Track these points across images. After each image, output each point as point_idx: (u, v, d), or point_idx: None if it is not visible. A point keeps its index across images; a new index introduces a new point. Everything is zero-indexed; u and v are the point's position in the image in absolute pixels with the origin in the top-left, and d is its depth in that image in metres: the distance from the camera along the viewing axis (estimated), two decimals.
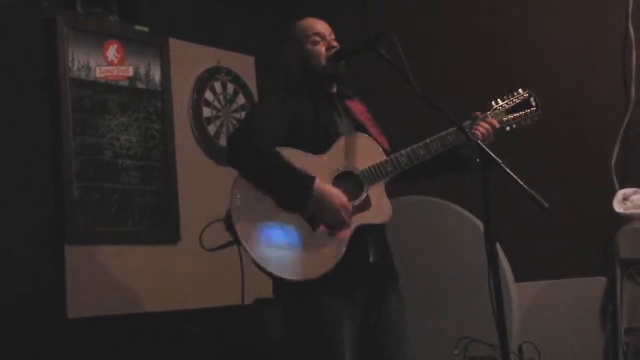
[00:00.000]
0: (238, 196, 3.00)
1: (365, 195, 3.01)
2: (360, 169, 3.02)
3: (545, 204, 2.57)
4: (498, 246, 2.64)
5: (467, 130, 2.98)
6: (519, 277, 4.07)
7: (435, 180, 3.39)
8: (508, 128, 3.17)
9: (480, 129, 3.08)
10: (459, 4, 4.82)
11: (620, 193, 4.05)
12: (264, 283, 3.19)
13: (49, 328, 4.00)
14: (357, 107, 3.24)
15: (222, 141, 5.00)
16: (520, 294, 4.04)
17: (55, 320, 4.04)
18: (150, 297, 4.45)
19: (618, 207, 3.99)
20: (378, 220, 3.02)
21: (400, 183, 3.24)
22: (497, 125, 3.12)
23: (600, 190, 4.16)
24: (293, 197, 2.96)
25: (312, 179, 2.93)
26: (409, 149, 3.03)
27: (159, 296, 4.49)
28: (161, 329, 4.45)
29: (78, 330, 4.09)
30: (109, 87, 4.48)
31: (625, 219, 3.95)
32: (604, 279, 4.13)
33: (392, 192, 3.12)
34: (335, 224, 2.95)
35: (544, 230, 4.26)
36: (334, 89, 3.23)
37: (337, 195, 2.94)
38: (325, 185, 2.95)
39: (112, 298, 4.28)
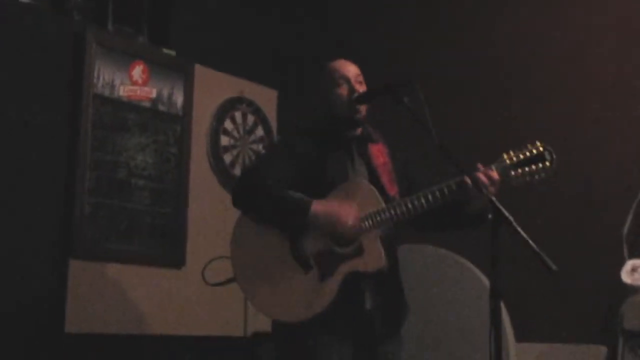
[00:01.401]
0: (238, 237, 3.12)
1: (358, 242, 3.01)
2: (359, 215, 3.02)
3: (554, 267, 2.54)
4: (502, 304, 2.62)
5: (477, 184, 2.89)
6: (519, 337, 4.04)
7: (448, 232, 3.36)
8: (514, 183, 2.98)
9: (478, 180, 2.93)
10: (487, 68, 4.83)
11: (630, 264, 4.02)
12: (261, 316, 3.20)
13: (45, 340, 4.00)
14: (377, 152, 3.23)
15: (237, 171, 5.02)
16: (519, 354, 4.01)
17: (52, 333, 4.04)
18: (149, 319, 4.44)
19: (626, 277, 3.96)
20: (368, 268, 3.00)
21: (414, 231, 3.25)
22: (496, 177, 2.93)
23: (610, 259, 4.12)
24: (294, 219, 3.01)
25: (309, 201, 2.98)
26: (407, 198, 3.00)
27: (158, 319, 4.48)
28: (156, 352, 4.43)
29: (74, 345, 4.08)
30: (131, 106, 4.52)
31: (632, 290, 3.92)
32: (604, 348, 4.09)
33: (402, 238, 3.15)
34: (348, 232, 2.97)
35: (549, 293, 4.23)
36: (357, 132, 3.23)
37: (339, 206, 2.98)
38: (323, 202, 2.99)
39: (112, 316, 4.28)
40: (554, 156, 2.97)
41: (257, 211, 3.10)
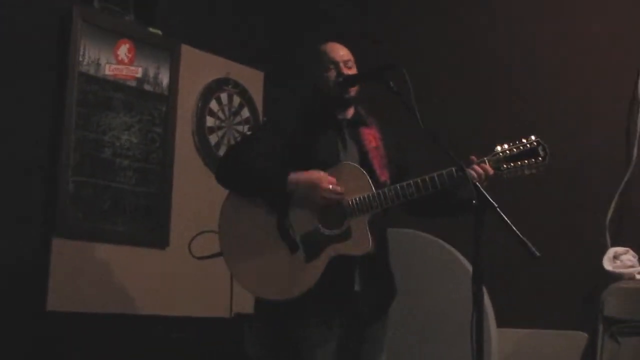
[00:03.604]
0: (226, 213, 3.13)
1: (346, 226, 3.01)
2: (347, 199, 3.02)
3: (537, 253, 2.55)
4: (484, 289, 2.64)
5: (464, 171, 2.91)
6: (501, 322, 4.06)
7: (436, 219, 3.40)
8: (506, 176, 3.05)
9: (472, 172, 2.99)
10: (473, 53, 4.83)
11: (612, 251, 4.04)
12: (246, 297, 3.21)
13: (27, 317, 3.99)
14: (369, 135, 3.23)
15: (222, 152, 5.00)
16: (500, 340, 4.03)
17: (34, 311, 4.03)
18: (131, 299, 4.43)
19: (608, 264, 3.98)
20: (355, 252, 3.02)
21: (404, 214, 3.27)
22: (491, 172, 3.01)
23: (592, 246, 4.15)
24: (274, 196, 3.04)
25: (285, 175, 3.00)
26: (397, 185, 3.02)
27: (141, 299, 4.47)
28: (138, 332, 4.42)
29: (55, 323, 4.07)
30: (116, 85, 4.49)
31: (614, 277, 3.94)
32: (585, 335, 4.12)
33: (393, 221, 3.20)
34: (326, 199, 3.00)
35: (532, 279, 4.25)
36: (348, 115, 3.24)
37: (311, 174, 3.00)
38: (298, 174, 3.01)
39: (94, 295, 4.27)
40: (548, 151, 3.02)
41: (238, 185, 3.12)
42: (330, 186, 3.00)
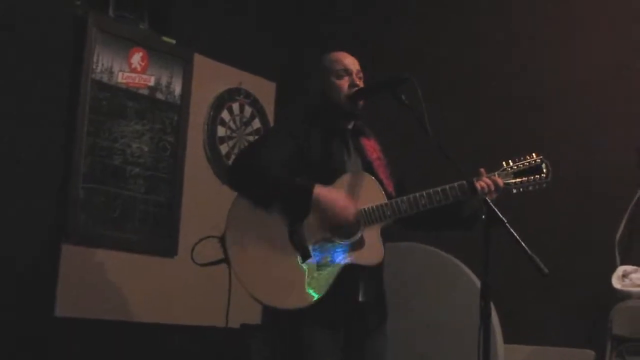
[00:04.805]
0: (233, 219, 3.07)
1: (359, 235, 3.01)
2: (360, 208, 3.02)
3: (546, 270, 2.56)
4: (492, 305, 2.63)
5: (474, 186, 2.96)
6: (508, 339, 4.05)
7: (440, 233, 3.39)
8: (515, 191, 3.11)
9: (482, 183, 3.04)
10: (480, 68, 4.83)
11: (621, 269, 4.02)
12: (252, 308, 3.19)
13: (35, 323, 4.00)
14: (370, 146, 3.25)
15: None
16: (507, 356, 4.01)
17: (42, 316, 4.04)
18: (139, 307, 4.44)
19: (617, 283, 3.97)
20: (368, 262, 3.01)
21: (406, 229, 3.25)
22: (501, 184, 3.07)
23: (601, 264, 4.13)
24: (295, 207, 2.99)
25: (310, 187, 2.95)
26: (410, 196, 3.02)
27: (148, 307, 4.48)
28: (146, 340, 4.43)
29: (64, 329, 4.08)
30: (128, 93, 4.51)
31: (622, 295, 3.92)
32: (592, 353, 4.10)
33: (395, 235, 3.16)
34: (340, 223, 2.98)
35: (540, 295, 4.24)
36: (350, 125, 3.24)
37: (337, 199, 2.97)
38: (323, 192, 2.96)
39: (102, 302, 4.28)
40: (550, 168, 3.12)
41: (255, 193, 3.06)
42: (351, 217, 2.98)
